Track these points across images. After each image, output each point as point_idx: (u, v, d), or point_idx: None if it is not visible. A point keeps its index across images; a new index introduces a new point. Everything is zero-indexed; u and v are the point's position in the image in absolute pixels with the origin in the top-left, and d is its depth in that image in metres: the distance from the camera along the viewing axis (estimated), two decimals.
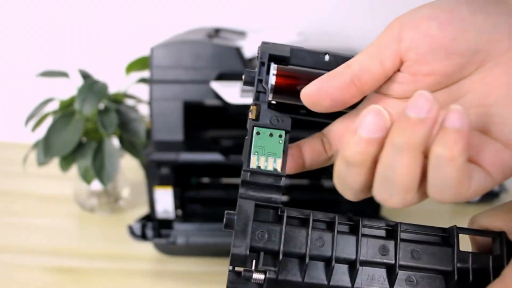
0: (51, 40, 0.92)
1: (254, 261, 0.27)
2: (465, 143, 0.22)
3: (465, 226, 0.30)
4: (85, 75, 0.72)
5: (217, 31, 0.71)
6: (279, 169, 0.28)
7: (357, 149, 0.24)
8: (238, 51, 0.62)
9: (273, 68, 0.29)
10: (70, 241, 0.71)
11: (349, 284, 0.28)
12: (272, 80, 0.29)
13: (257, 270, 0.27)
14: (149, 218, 0.66)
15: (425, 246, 0.28)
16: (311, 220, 0.28)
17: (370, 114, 0.24)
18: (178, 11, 0.89)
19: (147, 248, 0.69)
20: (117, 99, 0.72)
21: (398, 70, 0.27)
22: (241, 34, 0.74)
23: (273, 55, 0.30)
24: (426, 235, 0.29)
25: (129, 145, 0.71)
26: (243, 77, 0.30)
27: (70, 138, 0.65)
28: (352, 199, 0.28)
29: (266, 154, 0.28)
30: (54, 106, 0.71)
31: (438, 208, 0.82)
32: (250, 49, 0.64)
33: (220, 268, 0.66)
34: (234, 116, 0.71)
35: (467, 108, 0.26)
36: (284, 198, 0.69)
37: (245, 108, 0.59)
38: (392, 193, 0.24)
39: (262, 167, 0.28)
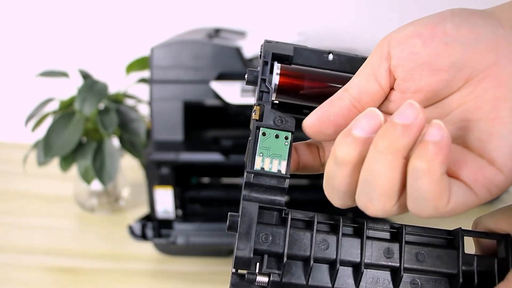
0: (51, 40, 0.92)
1: (257, 264, 0.27)
2: (444, 156, 0.22)
3: (464, 224, 0.30)
4: (85, 75, 0.72)
5: (217, 31, 0.71)
6: (283, 171, 0.28)
7: (348, 148, 0.24)
8: (238, 51, 0.62)
9: (277, 67, 0.29)
10: (70, 241, 0.71)
11: (354, 287, 0.27)
12: (276, 79, 0.29)
13: (260, 273, 0.27)
14: (149, 218, 0.66)
15: (430, 248, 0.28)
16: (315, 223, 0.27)
17: (365, 115, 0.24)
18: (178, 11, 0.89)
19: (147, 248, 0.69)
20: (117, 99, 0.72)
21: (392, 88, 0.28)
22: (241, 34, 0.74)
23: (277, 54, 0.29)
24: (431, 237, 0.29)
25: (129, 145, 0.71)
26: (245, 76, 0.30)
27: (70, 138, 0.65)
28: (339, 205, 0.28)
29: (271, 156, 0.28)
30: (54, 106, 0.71)
31: None
32: (250, 49, 0.64)
33: (220, 268, 0.66)
34: (234, 116, 0.71)
35: (454, 123, 0.26)
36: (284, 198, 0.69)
37: (245, 108, 0.59)
38: (372, 198, 0.24)
39: (266, 169, 0.28)
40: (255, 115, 0.28)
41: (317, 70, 0.29)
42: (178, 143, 0.62)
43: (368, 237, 0.28)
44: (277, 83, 0.29)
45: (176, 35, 0.69)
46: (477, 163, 0.25)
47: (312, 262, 0.27)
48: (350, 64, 0.30)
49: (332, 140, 0.27)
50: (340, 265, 0.27)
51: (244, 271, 0.27)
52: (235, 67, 0.61)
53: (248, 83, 0.30)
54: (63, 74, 0.71)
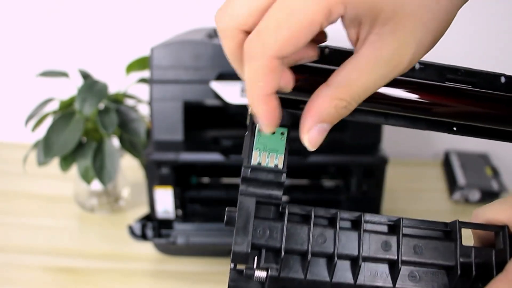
0: (51, 40, 0.92)
1: (255, 259, 0.27)
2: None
3: (468, 220, 0.30)
4: (85, 75, 0.72)
5: (217, 31, 0.71)
6: (280, 166, 0.28)
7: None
8: None
9: None
10: (70, 241, 0.71)
11: (352, 281, 0.27)
12: None
13: (259, 268, 0.27)
14: (149, 218, 0.66)
15: (427, 241, 0.28)
16: (312, 217, 0.28)
17: None
18: (178, 11, 0.89)
19: (147, 248, 0.69)
20: (117, 99, 0.72)
21: None
22: None
23: None
24: (428, 230, 0.29)
25: (129, 145, 0.71)
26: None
27: (70, 138, 0.65)
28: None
29: (268, 151, 0.28)
30: (54, 106, 0.71)
31: (438, 207, 0.82)
32: None
33: (220, 268, 0.66)
34: (234, 116, 0.71)
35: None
36: (284, 198, 0.69)
37: (245, 108, 0.59)
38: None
39: (263, 164, 0.28)
40: (251, 111, 0.28)
41: (313, 65, 0.29)
42: (178, 143, 0.62)
43: (366, 230, 0.28)
44: None
45: (176, 35, 0.69)
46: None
47: (309, 256, 0.27)
48: (344, 58, 0.30)
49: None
50: (338, 259, 0.27)
51: (243, 267, 0.27)
52: None
53: None
54: (63, 74, 0.71)
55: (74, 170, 0.71)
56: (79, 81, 0.70)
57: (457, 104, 0.29)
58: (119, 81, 0.74)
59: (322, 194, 0.71)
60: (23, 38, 0.92)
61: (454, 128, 0.31)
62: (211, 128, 0.68)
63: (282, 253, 0.26)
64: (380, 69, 0.25)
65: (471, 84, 0.30)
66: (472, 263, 0.28)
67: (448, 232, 0.29)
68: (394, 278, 0.27)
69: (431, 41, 0.25)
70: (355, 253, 0.27)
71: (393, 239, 0.28)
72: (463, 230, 0.29)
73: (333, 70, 0.27)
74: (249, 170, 0.28)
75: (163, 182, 0.63)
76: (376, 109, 0.29)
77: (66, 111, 0.68)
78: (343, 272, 0.27)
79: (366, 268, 0.27)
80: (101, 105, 0.69)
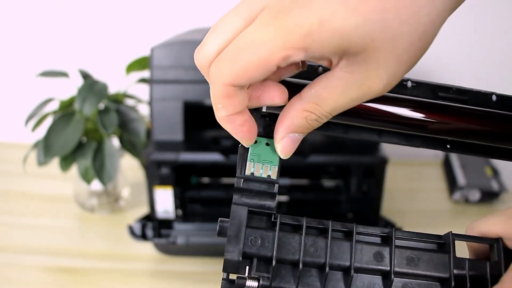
0: (51, 40, 0.92)
1: (247, 268, 0.27)
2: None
3: (464, 224, 0.30)
4: (85, 75, 0.72)
5: None
6: (274, 177, 0.28)
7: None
8: None
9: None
10: (70, 241, 0.71)
11: None
12: None
13: (250, 277, 0.27)
14: (149, 218, 0.66)
15: (421, 252, 0.28)
16: (304, 226, 0.28)
17: None
18: (178, 11, 0.89)
19: (147, 248, 0.69)
20: (117, 99, 0.72)
21: None
22: None
23: None
24: (422, 241, 0.29)
25: (129, 145, 0.71)
26: None
27: (70, 138, 0.65)
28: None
29: (262, 162, 0.29)
30: (54, 106, 0.71)
31: (438, 207, 0.82)
32: None
33: (220, 268, 0.66)
34: None
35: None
36: (284, 198, 0.69)
37: None
38: None
39: (257, 174, 0.28)
40: None
41: (306, 82, 0.29)
42: (178, 143, 0.62)
43: (358, 241, 0.28)
44: None
45: (176, 35, 0.69)
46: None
47: (301, 265, 0.27)
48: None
49: None
50: (330, 269, 0.27)
51: (235, 276, 0.27)
52: None
53: None
54: (63, 74, 0.71)
55: (74, 170, 0.71)
56: (79, 81, 0.70)
57: (450, 121, 0.29)
58: (119, 81, 0.74)
59: (322, 194, 0.71)
60: (23, 38, 0.92)
61: (448, 146, 0.31)
62: (211, 128, 0.68)
63: (274, 262, 0.26)
64: (350, 93, 0.25)
65: (463, 102, 0.30)
66: (467, 275, 0.28)
67: (442, 244, 0.29)
68: None
69: (405, 70, 0.25)
70: (347, 263, 0.27)
71: (386, 250, 0.28)
72: (461, 244, 0.29)
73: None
74: (242, 180, 0.28)
75: (163, 182, 0.63)
76: (369, 125, 0.30)
77: (66, 111, 0.68)
78: (335, 282, 0.27)
79: (359, 279, 0.27)
80: (101, 105, 0.69)
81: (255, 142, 0.29)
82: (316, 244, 0.27)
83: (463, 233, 0.30)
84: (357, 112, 0.29)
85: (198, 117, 0.66)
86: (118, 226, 0.73)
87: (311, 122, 0.27)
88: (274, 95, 0.27)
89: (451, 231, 0.29)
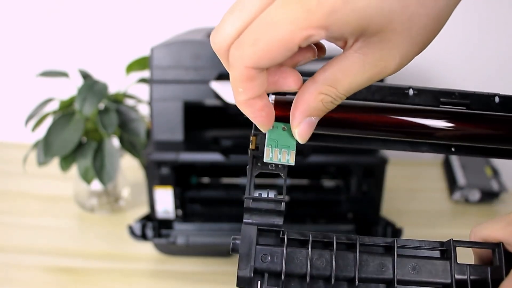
0: (51, 40, 0.92)
1: (259, 282, 0.28)
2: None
3: (464, 224, 0.31)
4: (85, 75, 0.72)
5: None
6: (292, 162, 0.29)
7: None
8: None
9: (271, 98, 0.30)
10: (70, 241, 0.71)
11: None
12: None
13: None
14: (149, 218, 0.66)
15: (423, 260, 0.29)
16: (310, 241, 0.29)
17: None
18: (178, 11, 0.89)
19: (147, 248, 0.69)
20: (117, 99, 0.72)
21: None
22: None
23: None
24: (424, 249, 0.30)
25: (129, 145, 0.71)
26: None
27: (70, 138, 0.65)
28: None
29: (280, 147, 0.29)
30: (54, 106, 0.71)
31: (438, 207, 0.82)
32: None
33: (220, 268, 0.66)
34: (234, 116, 0.71)
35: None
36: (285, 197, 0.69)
37: None
38: None
39: (276, 160, 0.29)
40: (251, 145, 0.30)
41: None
42: (178, 143, 0.62)
43: (362, 252, 0.29)
44: None
45: (176, 35, 0.69)
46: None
47: (308, 278, 0.28)
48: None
49: None
50: (335, 280, 0.28)
51: None
52: None
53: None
54: (63, 74, 0.71)
55: (74, 170, 0.71)
56: (79, 81, 0.70)
57: (454, 127, 0.29)
58: (119, 81, 0.74)
59: (322, 194, 0.71)
60: (23, 38, 0.92)
61: (453, 149, 0.32)
62: (211, 128, 0.68)
63: (283, 277, 0.28)
64: (364, 74, 0.26)
65: (466, 106, 0.31)
66: (468, 281, 0.28)
67: (443, 251, 0.30)
68: None
69: (417, 51, 0.26)
70: (352, 274, 0.29)
71: (388, 260, 0.29)
72: (465, 250, 0.30)
73: None
74: (251, 200, 0.30)
75: (163, 182, 0.63)
76: (374, 136, 0.30)
77: (66, 111, 0.68)
78: None
79: None
80: (101, 105, 0.69)
81: (272, 127, 0.29)
82: (322, 257, 0.29)
83: (463, 238, 0.30)
84: (361, 124, 0.29)
85: (198, 117, 0.67)
86: (118, 226, 0.73)
87: (327, 104, 0.27)
88: (291, 80, 0.27)
89: (452, 238, 0.29)
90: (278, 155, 0.29)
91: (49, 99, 0.71)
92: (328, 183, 0.72)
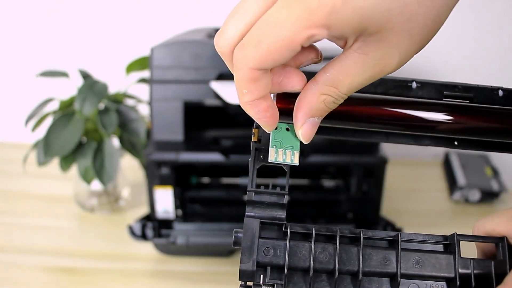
0: (51, 40, 0.92)
1: (262, 276, 0.28)
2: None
3: (464, 224, 0.31)
4: (85, 75, 0.72)
5: (217, 31, 0.71)
6: (296, 162, 0.29)
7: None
8: None
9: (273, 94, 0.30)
10: (70, 241, 0.71)
11: None
12: None
13: (265, 284, 0.28)
14: (149, 218, 0.66)
15: (426, 254, 0.29)
16: (313, 235, 0.29)
17: None
18: (178, 11, 0.89)
19: (147, 248, 0.69)
20: (117, 99, 0.72)
21: None
22: None
23: None
24: (427, 243, 0.30)
25: (129, 145, 0.71)
26: None
27: (70, 138, 0.65)
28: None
29: (284, 148, 0.30)
30: (54, 106, 0.71)
31: (438, 207, 0.82)
32: None
33: (220, 268, 0.66)
34: (234, 116, 0.71)
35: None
36: None
37: None
38: None
39: (280, 160, 0.29)
40: (254, 138, 0.30)
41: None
42: (178, 143, 0.62)
43: (365, 246, 0.29)
44: None
45: (176, 35, 0.69)
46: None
47: (311, 272, 0.28)
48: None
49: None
50: (339, 274, 0.28)
51: (251, 283, 0.29)
52: None
53: None
54: (63, 74, 0.71)
55: (74, 170, 0.71)
56: (79, 81, 0.70)
57: (457, 120, 0.29)
58: (119, 81, 0.74)
59: (322, 194, 0.71)
60: (23, 38, 0.92)
61: (456, 143, 0.32)
62: (211, 128, 0.68)
63: (286, 270, 0.28)
64: (365, 73, 0.26)
65: (469, 99, 0.31)
66: (472, 275, 0.28)
67: (447, 245, 0.30)
68: None
69: (416, 50, 0.26)
70: (355, 268, 0.28)
71: (392, 254, 0.29)
72: (465, 243, 0.29)
73: None
74: (253, 193, 0.29)
75: (163, 182, 0.63)
76: (377, 129, 0.30)
77: (66, 111, 0.68)
78: (346, 286, 0.29)
79: (367, 282, 0.29)
80: (101, 105, 0.69)
81: (276, 128, 0.29)
82: (326, 251, 0.29)
83: (466, 233, 0.30)
84: (365, 117, 0.29)
85: (198, 117, 0.66)
86: (118, 226, 0.73)
87: (329, 105, 0.27)
88: (295, 81, 0.27)
89: (456, 232, 0.29)
90: (283, 155, 0.29)
91: (49, 99, 0.71)
92: (328, 183, 0.72)
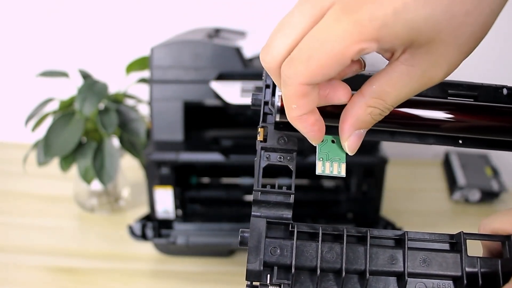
0: (51, 40, 0.92)
1: (268, 276, 0.28)
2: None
3: (464, 224, 0.31)
4: (85, 75, 0.72)
5: (217, 31, 0.71)
6: (343, 173, 0.30)
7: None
8: (238, 51, 0.62)
9: (278, 90, 0.30)
10: (70, 241, 0.71)
11: None
12: (278, 102, 0.30)
13: (272, 284, 0.28)
14: (149, 218, 0.66)
15: (433, 253, 0.29)
16: (320, 234, 0.29)
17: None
18: (178, 11, 0.89)
19: (147, 248, 0.69)
20: (117, 99, 0.72)
21: None
22: (241, 34, 0.74)
23: None
24: (434, 242, 0.30)
25: (129, 145, 0.71)
26: (250, 100, 0.31)
27: (70, 138, 0.65)
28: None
29: (331, 160, 0.30)
30: (54, 106, 0.71)
31: (438, 207, 0.82)
32: (250, 49, 0.64)
33: (220, 268, 0.66)
34: (234, 116, 0.71)
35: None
36: None
37: (245, 108, 0.59)
38: None
39: (328, 172, 0.30)
40: (259, 137, 0.30)
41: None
42: (178, 143, 0.62)
43: (372, 245, 0.29)
44: (279, 104, 0.30)
45: (176, 35, 0.69)
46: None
47: (319, 271, 0.28)
48: (356, 79, 0.30)
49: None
50: (346, 273, 0.28)
51: (257, 283, 0.28)
52: (235, 67, 0.61)
53: (253, 106, 0.31)
54: (63, 74, 0.71)
55: (74, 170, 0.71)
56: (79, 81, 0.70)
57: (461, 118, 0.29)
58: (119, 81, 0.74)
59: (322, 194, 0.71)
60: (23, 38, 0.92)
61: (460, 141, 0.32)
62: (211, 128, 0.68)
63: (293, 270, 0.28)
64: (412, 85, 0.26)
65: (473, 98, 0.31)
66: (478, 273, 0.28)
67: (453, 243, 0.30)
68: None
69: (463, 59, 0.26)
70: (362, 267, 0.28)
71: (399, 253, 0.29)
72: (471, 242, 0.29)
73: None
74: (260, 193, 0.29)
75: (163, 182, 0.63)
76: (382, 127, 0.30)
77: (66, 111, 0.68)
78: (353, 285, 0.29)
79: (374, 281, 0.29)
80: (101, 105, 0.69)
81: (322, 140, 0.30)
82: (332, 250, 0.29)
83: (473, 232, 0.30)
84: None
85: (198, 117, 0.66)
86: (118, 226, 0.73)
87: (375, 117, 0.27)
88: (341, 94, 0.27)
89: (463, 231, 0.29)
90: (330, 167, 0.30)
91: (49, 99, 0.71)
92: (328, 183, 0.72)
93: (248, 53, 0.63)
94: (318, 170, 0.29)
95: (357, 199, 0.66)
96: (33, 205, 0.79)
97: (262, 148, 0.30)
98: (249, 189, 0.71)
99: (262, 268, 0.27)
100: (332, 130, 0.30)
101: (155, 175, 0.62)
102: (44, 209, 0.78)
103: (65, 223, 0.75)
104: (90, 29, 0.91)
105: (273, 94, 0.31)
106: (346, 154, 0.30)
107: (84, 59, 0.91)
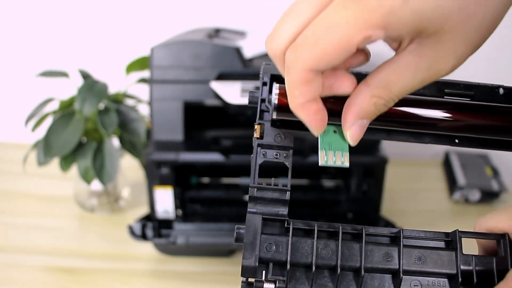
0: (51, 40, 0.92)
1: (264, 272, 0.28)
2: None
3: (464, 224, 0.31)
4: (85, 75, 0.72)
5: (217, 31, 0.71)
6: (347, 164, 0.29)
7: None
8: (238, 51, 0.62)
9: (275, 87, 0.30)
10: (70, 241, 0.71)
11: None
12: (275, 99, 0.30)
13: (267, 280, 0.28)
14: (149, 218, 0.66)
15: (428, 251, 0.29)
16: (315, 231, 0.29)
17: None
18: (178, 11, 0.89)
19: (147, 248, 0.69)
20: (117, 99, 0.72)
21: None
22: (241, 34, 0.74)
23: (275, 75, 0.31)
24: (429, 240, 0.30)
25: (129, 145, 0.71)
26: (247, 98, 0.32)
27: (70, 138, 0.65)
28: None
29: (333, 150, 0.29)
30: (54, 106, 0.71)
31: (438, 207, 0.82)
32: (250, 49, 0.64)
33: (220, 268, 0.66)
34: (234, 116, 0.71)
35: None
36: None
37: (245, 108, 0.59)
38: None
39: (331, 163, 0.29)
40: (256, 134, 0.30)
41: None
42: (178, 143, 0.62)
43: (368, 242, 0.29)
44: (276, 102, 0.30)
45: (176, 35, 0.69)
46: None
47: (314, 268, 0.28)
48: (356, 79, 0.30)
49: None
50: (341, 270, 0.28)
51: (253, 279, 0.28)
52: (235, 67, 0.61)
53: (250, 103, 0.31)
54: (63, 74, 0.71)
55: (74, 170, 0.71)
56: (79, 81, 0.70)
57: (458, 117, 0.29)
58: (119, 81, 0.74)
59: (322, 194, 0.71)
60: (23, 38, 0.92)
61: (456, 141, 0.32)
62: (211, 128, 0.68)
63: (288, 266, 0.28)
64: (419, 75, 0.26)
65: (470, 97, 0.31)
66: (473, 271, 0.28)
67: (449, 241, 0.30)
68: None
69: (471, 52, 0.26)
70: (358, 264, 0.28)
71: (394, 250, 0.29)
72: (466, 240, 0.29)
73: None
74: (255, 189, 0.29)
75: (163, 182, 0.63)
76: (378, 126, 0.30)
77: (66, 111, 0.68)
78: (348, 282, 0.29)
79: (369, 279, 0.29)
80: (101, 105, 0.69)
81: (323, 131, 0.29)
82: (328, 247, 0.29)
83: (469, 230, 0.30)
84: None
85: (198, 117, 0.66)
86: (118, 226, 0.73)
87: (379, 107, 0.27)
88: (346, 84, 0.27)
89: (458, 229, 0.29)
90: (333, 157, 0.29)
91: (49, 99, 0.71)
92: (328, 183, 0.72)
93: (248, 53, 0.63)
94: (321, 161, 0.29)
95: (357, 199, 0.66)
96: (33, 205, 0.79)
97: (258, 145, 0.30)
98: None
99: (257, 264, 0.27)
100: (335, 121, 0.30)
101: (155, 175, 0.62)
102: (44, 209, 0.78)
103: (65, 223, 0.75)
104: (90, 29, 0.91)
105: (270, 91, 0.31)
106: (349, 145, 0.29)
107: (84, 59, 0.91)
